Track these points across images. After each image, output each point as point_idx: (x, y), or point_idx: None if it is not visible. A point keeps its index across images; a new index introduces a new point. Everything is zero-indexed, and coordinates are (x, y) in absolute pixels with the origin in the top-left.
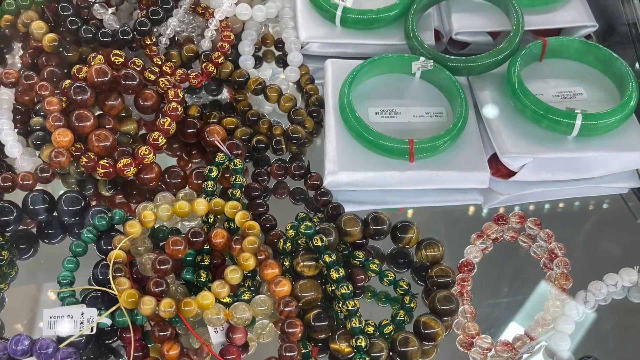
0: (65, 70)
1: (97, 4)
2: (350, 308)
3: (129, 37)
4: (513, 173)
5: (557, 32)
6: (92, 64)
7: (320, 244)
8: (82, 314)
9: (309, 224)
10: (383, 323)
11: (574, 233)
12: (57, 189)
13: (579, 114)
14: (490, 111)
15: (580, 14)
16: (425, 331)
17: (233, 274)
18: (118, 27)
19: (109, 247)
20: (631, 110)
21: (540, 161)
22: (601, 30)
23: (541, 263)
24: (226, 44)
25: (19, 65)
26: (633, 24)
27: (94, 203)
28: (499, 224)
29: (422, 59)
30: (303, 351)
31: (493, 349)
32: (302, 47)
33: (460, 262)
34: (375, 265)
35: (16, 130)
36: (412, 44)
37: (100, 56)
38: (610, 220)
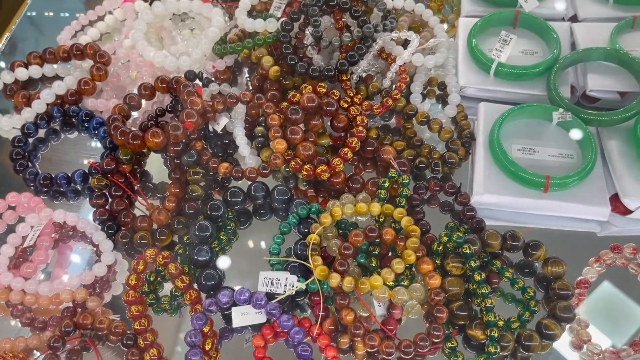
0: (285, 89)
1: (310, 46)
2: (487, 305)
3: (332, 73)
4: (630, 211)
5: None
6: (304, 92)
7: (468, 251)
8: (287, 278)
9: (460, 234)
10: (511, 320)
11: None
12: (268, 181)
13: None
14: (616, 158)
15: None
16: (546, 332)
17: (398, 265)
18: (324, 65)
19: (305, 230)
20: None
21: None
22: None
23: None
24: (403, 84)
25: (244, 84)
26: None
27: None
28: (615, 252)
29: (561, 110)
30: (446, 332)
31: (601, 355)
32: (460, 90)
33: (578, 279)
34: (509, 273)
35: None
36: (552, 96)
37: (309, 87)
38: None
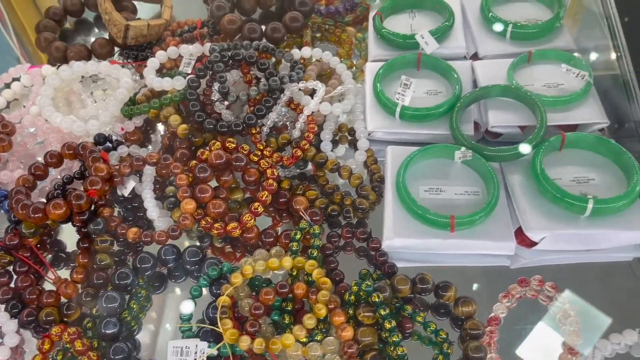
0: (193, 148)
1: (217, 102)
2: (399, 353)
3: (240, 128)
4: (535, 243)
5: (575, 126)
6: (212, 149)
7: (377, 299)
8: (197, 345)
9: (369, 283)
10: None
11: (585, 295)
12: (184, 240)
13: (590, 199)
14: (518, 192)
15: (594, 113)
16: None
17: (309, 320)
18: (232, 119)
19: (218, 292)
20: (636, 196)
21: (558, 235)
22: (613, 124)
23: (557, 319)
24: (311, 134)
25: (159, 142)
26: (638, 122)
27: (209, 251)
28: (522, 286)
29: (463, 149)
30: None
31: None
32: (369, 134)
33: (489, 316)
34: (421, 317)
35: (155, 196)
36: (455, 135)
37: (218, 143)
38: (617, 284)
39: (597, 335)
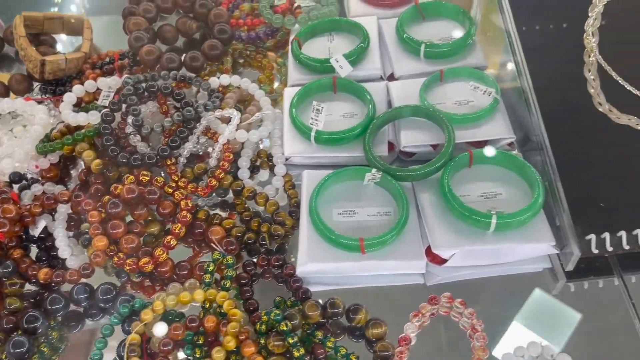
0: (111, 182)
1: (131, 135)
2: None
3: (154, 160)
4: (446, 260)
5: (485, 142)
6: (125, 183)
7: (285, 328)
8: None
9: (278, 312)
10: None
11: (500, 306)
12: (101, 275)
13: (494, 214)
14: (428, 211)
15: (501, 129)
16: None
17: (218, 354)
18: (147, 151)
19: (129, 329)
20: (539, 208)
21: (466, 251)
22: (521, 138)
23: (467, 334)
24: (226, 163)
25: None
26: (538, 135)
27: (129, 286)
28: (432, 304)
29: (373, 171)
30: None
31: None
32: (287, 159)
33: (399, 337)
34: (331, 342)
35: (71, 232)
36: (368, 157)
37: (131, 177)
38: (529, 295)
39: (568, 332)
